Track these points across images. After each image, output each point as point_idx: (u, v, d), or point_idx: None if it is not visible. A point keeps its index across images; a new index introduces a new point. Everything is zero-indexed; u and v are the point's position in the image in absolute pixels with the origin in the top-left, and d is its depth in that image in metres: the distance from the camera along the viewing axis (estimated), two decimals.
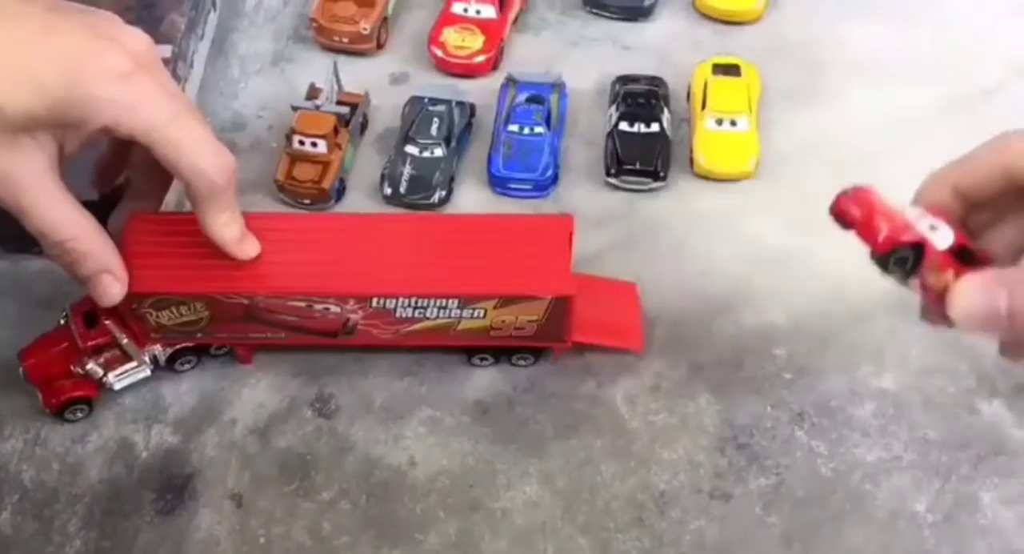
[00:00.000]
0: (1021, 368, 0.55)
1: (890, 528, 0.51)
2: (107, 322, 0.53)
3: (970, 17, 0.72)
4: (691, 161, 0.64)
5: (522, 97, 0.66)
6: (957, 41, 0.70)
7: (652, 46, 0.71)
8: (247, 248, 0.51)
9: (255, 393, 0.56)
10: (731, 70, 0.66)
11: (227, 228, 0.50)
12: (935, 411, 0.55)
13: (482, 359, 0.56)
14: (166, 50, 0.64)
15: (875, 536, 0.51)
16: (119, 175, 0.54)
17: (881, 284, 0.59)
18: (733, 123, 0.64)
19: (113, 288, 0.49)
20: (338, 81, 0.65)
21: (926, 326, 0.56)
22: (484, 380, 0.56)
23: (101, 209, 0.53)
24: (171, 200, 0.56)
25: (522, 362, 0.56)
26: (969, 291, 0.38)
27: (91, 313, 0.53)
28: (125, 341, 0.53)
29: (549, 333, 0.53)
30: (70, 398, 0.54)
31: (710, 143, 0.64)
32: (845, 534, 0.51)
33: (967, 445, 0.54)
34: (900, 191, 0.63)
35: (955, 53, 0.70)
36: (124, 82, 0.45)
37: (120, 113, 0.45)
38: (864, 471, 0.53)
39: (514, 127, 0.64)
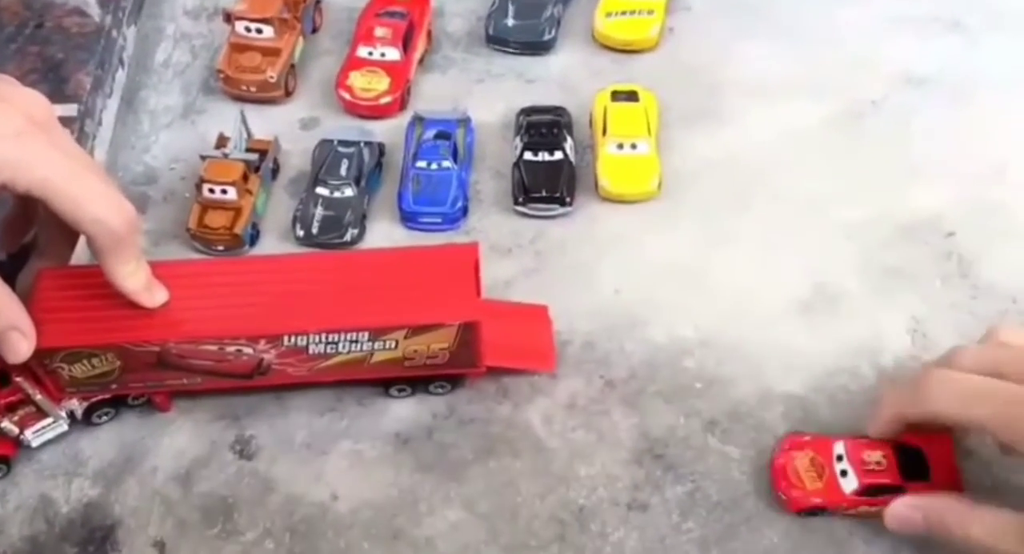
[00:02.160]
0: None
1: (804, 525, 0.53)
2: (18, 379, 0.53)
3: (856, 32, 0.75)
4: (596, 185, 0.66)
5: (429, 134, 0.67)
6: (844, 56, 0.73)
7: (554, 78, 0.73)
8: (155, 296, 0.51)
9: (175, 440, 0.56)
10: (630, 96, 0.69)
11: (132, 278, 0.50)
12: (840, 409, 0.57)
13: (400, 390, 0.57)
14: (72, 109, 0.65)
15: (789, 533, 0.52)
16: (26, 234, 0.55)
17: (784, 293, 0.62)
18: (634, 146, 0.66)
19: (21, 345, 0.49)
20: (247, 128, 0.66)
21: (826, 330, 0.59)
22: (403, 410, 0.57)
23: (9, 268, 0.53)
24: (82, 254, 0.57)
25: (439, 390, 0.57)
26: (892, 512, 0.50)
27: (2, 372, 0.53)
28: (39, 397, 0.53)
29: (461, 360, 0.54)
30: None
31: (613, 167, 0.66)
32: (760, 534, 0.52)
33: None
34: (795, 201, 0.66)
35: (843, 68, 0.73)
36: (17, 140, 0.46)
37: (15, 171, 0.46)
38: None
39: (422, 163, 0.66)
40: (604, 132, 0.67)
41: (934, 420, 0.49)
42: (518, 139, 0.68)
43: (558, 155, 0.66)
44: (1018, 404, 0.46)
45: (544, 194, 0.65)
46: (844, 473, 0.52)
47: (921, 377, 0.50)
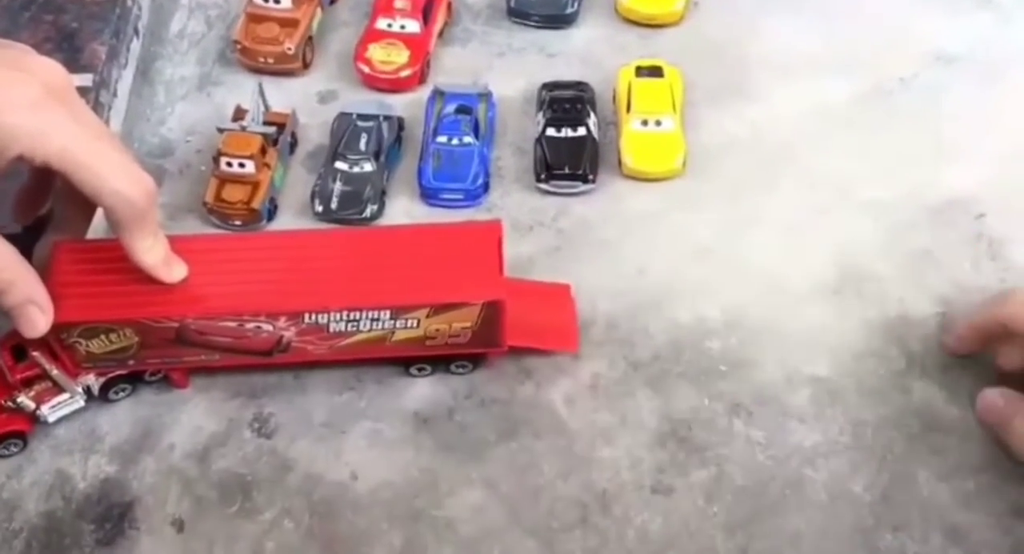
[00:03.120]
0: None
1: (829, 510, 0.52)
2: (35, 354, 0.52)
3: (885, 8, 0.73)
4: (619, 162, 0.65)
5: (449, 108, 0.66)
6: (873, 33, 0.72)
7: (577, 52, 0.72)
8: (174, 271, 0.50)
9: (192, 417, 0.55)
10: (654, 72, 0.67)
11: (151, 252, 0.49)
12: (868, 394, 0.56)
13: (420, 369, 0.56)
14: (87, 79, 0.64)
15: (815, 519, 0.52)
16: (42, 206, 0.54)
17: (809, 275, 0.60)
18: (658, 123, 0.65)
19: (39, 319, 0.49)
20: (264, 101, 0.65)
21: (854, 313, 0.58)
22: (423, 390, 0.56)
23: (24, 241, 0.52)
24: (99, 227, 0.56)
25: (460, 370, 0.56)
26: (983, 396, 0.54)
27: (19, 346, 0.52)
28: (55, 372, 0.52)
29: (484, 339, 0.54)
30: (3, 433, 0.53)
31: (637, 144, 0.64)
32: (786, 519, 0.52)
33: (901, 425, 0.54)
34: (823, 181, 0.65)
35: (871, 45, 0.71)
36: (35, 110, 0.45)
37: (33, 141, 0.45)
38: (802, 456, 0.54)
39: (442, 138, 0.65)
40: (628, 109, 0.65)
41: (1001, 326, 0.52)
42: (540, 114, 0.66)
43: (581, 131, 0.65)
44: None
45: (567, 171, 0.64)
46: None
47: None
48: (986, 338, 0.54)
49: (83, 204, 0.51)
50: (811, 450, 0.54)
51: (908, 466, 0.53)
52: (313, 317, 0.51)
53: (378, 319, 0.51)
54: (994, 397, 0.53)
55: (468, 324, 0.52)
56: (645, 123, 0.65)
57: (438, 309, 0.51)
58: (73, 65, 0.64)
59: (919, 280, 0.60)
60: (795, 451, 0.54)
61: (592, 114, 0.66)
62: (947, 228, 0.62)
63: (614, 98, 0.68)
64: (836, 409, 0.55)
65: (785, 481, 0.53)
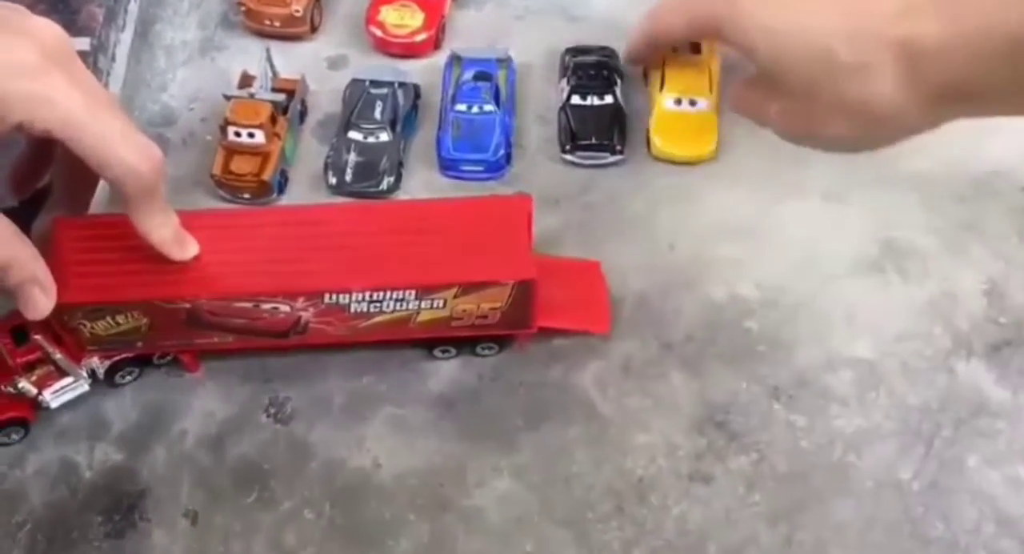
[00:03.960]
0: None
1: (876, 499, 0.50)
2: (37, 337, 0.49)
3: None
4: (647, 143, 0.61)
5: (468, 75, 0.63)
6: None
7: (601, 15, 0.68)
8: (185, 248, 0.47)
9: (205, 402, 0.53)
10: (691, 47, 0.63)
11: (162, 228, 0.46)
12: (913, 376, 0.53)
13: (444, 351, 0.53)
14: (84, 43, 0.60)
15: (861, 508, 0.49)
16: (41, 179, 0.51)
17: (849, 252, 0.58)
18: (692, 103, 0.61)
19: (40, 300, 0.45)
20: (272, 67, 0.62)
21: (896, 290, 0.55)
22: (448, 373, 0.54)
23: (22, 216, 0.49)
24: (101, 199, 0.53)
25: (486, 352, 0.54)
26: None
27: (20, 328, 0.49)
28: (58, 356, 0.49)
29: (513, 320, 0.51)
30: (3, 420, 0.50)
31: (668, 124, 0.61)
32: (831, 508, 0.49)
33: (948, 408, 0.52)
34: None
35: None
36: (35, 76, 0.42)
37: (33, 108, 0.42)
38: (845, 442, 0.51)
39: (462, 106, 0.61)
40: (661, 87, 0.62)
41: (659, 42, 0.59)
42: (564, 81, 0.63)
43: (608, 99, 0.62)
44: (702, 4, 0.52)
45: (593, 141, 0.60)
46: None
47: None
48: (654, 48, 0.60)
49: (86, 176, 0.47)
50: (854, 436, 0.52)
51: (956, 452, 0.51)
52: (334, 298, 0.48)
53: (403, 299, 0.49)
54: (738, 88, 0.55)
55: (497, 304, 0.49)
56: (679, 102, 0.61)
57: (467, 289, 0.48)
58: (69, 28, 0.59)
59: (964, 255, 0.57)
60: (838, 436, 0.51)
61: (619, 81, 0.63)
62: (992, 199, 0.59)
63: (644, 74, 0.64)
64: (879, 392, 0.53)
65: (828, 468, 0.51)
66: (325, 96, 0.64)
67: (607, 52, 0.64)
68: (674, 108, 0.61)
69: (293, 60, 0.65)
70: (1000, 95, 0.44)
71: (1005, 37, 0.41)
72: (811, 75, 0.46)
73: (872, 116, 0.46)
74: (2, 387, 0.50)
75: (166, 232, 0.46)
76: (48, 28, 0.45)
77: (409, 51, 0.66)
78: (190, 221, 0.48)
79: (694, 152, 0.61)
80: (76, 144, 0.43)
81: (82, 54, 0.59)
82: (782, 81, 0.48)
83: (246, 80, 0.62)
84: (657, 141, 0.61)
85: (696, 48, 0.63)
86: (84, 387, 0.51)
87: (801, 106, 0.48)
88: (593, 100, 0.62)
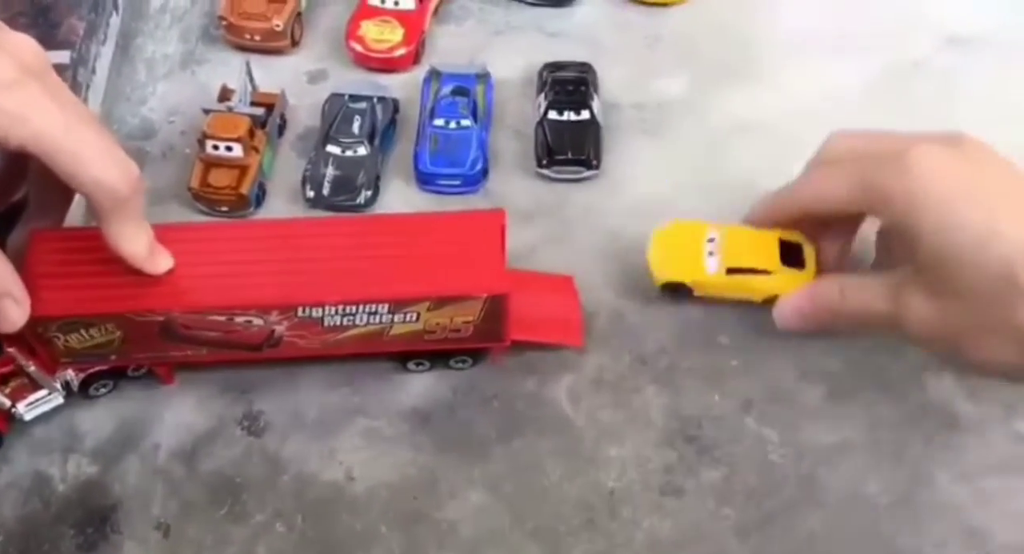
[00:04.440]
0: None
1: (845, 512, 0.50)
2: (11, 349, 0.49)
3: None
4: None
5: (446, 89, 0.63)
6: (885, 14, 0.69)
7: (579, 32, 0.69)
8: (158, 262, 0.48)
9: (178, 415, 0.53)
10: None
11: (134, 242, 0.46)
12: (883, 390, 0.54)
13: (418, 364, 0.54)
14: (64, 56, 0.60)
15: (831, 521, 0.50)
16: (16, 192, 0.51)
17: None
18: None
19: (13, 313, 0.46)
20: (251, 81, 0.62)
21: None
22: (421, 386, 0.54)
23: None
24: (77, 213, 0.53)
25: (460, 365, 0.54)
26: (780, 306, 0.52)
27: None
28: (32, 368, 0.49)
29: (486, 334, 0.51)
30: None
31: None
32: (800, 522, 0.50)
33: (918, 423, 0.53)
34: None
35: (885, 26, 0.69)
36: (10, 91, 0.42)
37: (8, 123, 0.42)
38: (816, 456, 0.52)
39: (439, 121, 0.62)
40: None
41: (801, 211, 0.51)
42: (542, 97, 0.63)
43: (584, 115, 0.62)
44: (870, 170, 0.47)
45: (570, 156, 0.61)
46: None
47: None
48: (784, 224, 0.53)
49: (61, 190, 0.47)
50: (825, 449, 0.52)
51: (925, 466, 0.51)
52: (307, 311, 0.48)
53: (376, 313, 0.49)
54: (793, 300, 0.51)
55: (470, 318, 0.50)
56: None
57: (439, 302, 0.49)
58: (49, 41, 0.61)
59: None
60: (809, 450, 0.52)
61: (596, 97, 0.63)
62: None
63: None
64: (850, 406, 0.53)
65: (799, 481, 0.51)
66: (305, 110, 0.65)
67: (584, 68, 0.65)
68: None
69: (274, 74, 0.66)
70: None
71: None
72: (984, 285, 0.42)
73: None
74: None
75: (139, 246, 0.46)
76: (25, 43, 0.45)
77: (389, 66, 0.66)
78: (165, 234, 0.48)
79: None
80: (50, 159, 0.43)
81: (62, 67, 0.60)
82: (942, 282, 0.43)
83: (225, 93, 0.62)
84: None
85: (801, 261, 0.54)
86: (58, 400, 0.51)
87: (960, 313, 0.43)
88: (570, 115, 0.62)
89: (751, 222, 0.54)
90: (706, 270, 0.54)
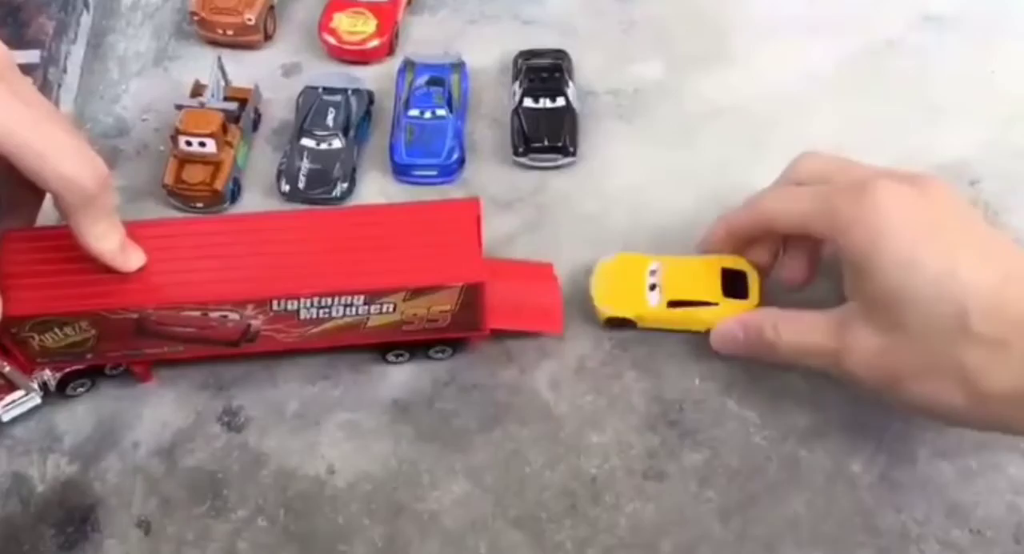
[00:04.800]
0: None
1: (828, 492, 0.50)
2: None
3: None
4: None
5: (421, 80, 0.63)
6: None
7: (553, 19, 0.69)
8: (130, 259, 0.47)
9: (157, 412, 0.52)
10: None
11: (105, 240, 0.46)
12: None
13: (397, 355, 0.54)
14: (34, 55, 0.60)
15: (814, 501, 0.50)
16: None
17: None
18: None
19: None
20: (224, 75, 0.62)
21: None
22: (401, 377, 0.54)
23: None
24: (49, 212, 0.52)
25: (439, 355, 0.54)
26: (716, 331, 0.52)
27: None
28: (7, 369, 0.49)
29: (464, 323, 0.51)
30: None
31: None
32: (783, 502, 0.50)
33: None
34: (810, 148, 0.63)
35: (858, 5, 0.69)
36: None
37: None
38: (798, 437, 0.52)
39: (415, 111, 0.62)
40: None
41: (762, 225, 0.51)
42: (517, 85, 0.63)
43: (560, 102, 0.62)
44: (834, 196, 0.46)
45: (546, 143, 0.61)
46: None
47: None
48: (743, 241, 0.53)
49: (31, 189, 0.47)
50: (807, 430, 0.52)
51: (907, 444, 0.51)
52: (282, 304, 0.48)
53: (351, 305, 0.49)
54: (727, 326, 0.51)
55: (447, 308, 0.50)
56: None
57: (415, 293, 0.48)
58: (18, 41, 0.61)
59: None
60: (791, 432, 0.52)
61: (571, 83, 0.63)
62: None
63: None
64: (831, 386, 0.53)
65: (781, 463, 0.51)
66: (279, 104, 0.65)
67: (559, 55, 0.65)
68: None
69: (247, 68, 0.65)
70: None
71: None
72: (934, 329, 0.41)
73: (986, 393, 0.41)
74: None
75: (110, 243, 0.46)
76: None
77: (362, 57, 0.66)
78: (137, 231, 0.48)
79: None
80: (16, 157, 0.43)
81: (32, 67, 0.59)
82: (892, 318, 0.43)
83: (198, 89, 0.62)
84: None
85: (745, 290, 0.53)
86: (36, 400, 0.51)
87: (905, 351, 0.43)
88: (545, 103, 0.62)
89: (709, 242, 0.54)
90: (648, 304, 0.53)
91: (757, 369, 0.54)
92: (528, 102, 0.62)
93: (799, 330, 0.48)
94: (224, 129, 0.59)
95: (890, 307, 0.43)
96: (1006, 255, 0.44)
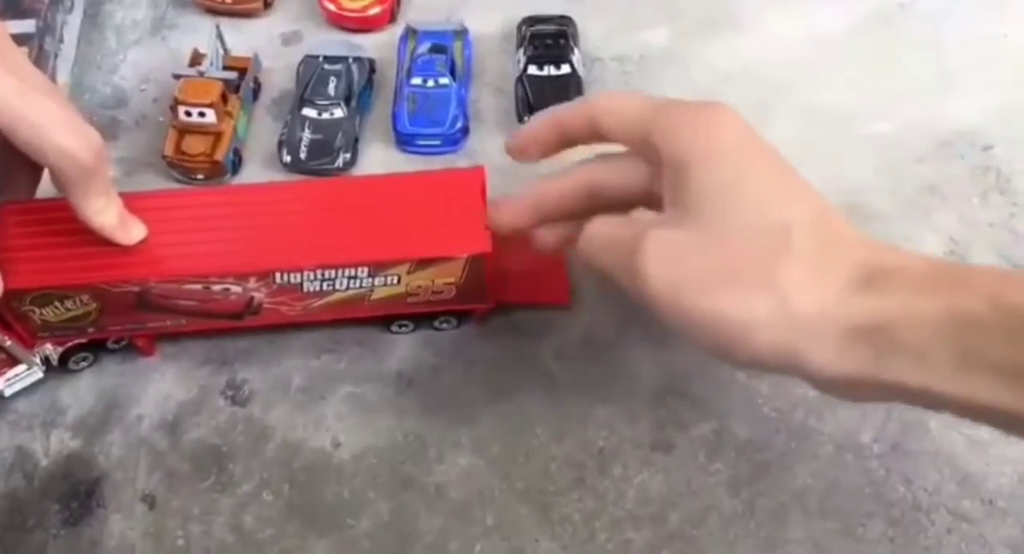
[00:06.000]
0: None
1: (837, 463, 0.49)
2: None
3: None
4: None
5: (423, 47, 0.62)
6: None
7: None
8: (131, 232, 0.47)
9: (161, 386, 0.52)
10: None
11: (104, 214, 0.45)
12: None
13: (401, 326, 0.53)
14: (30, 25, 0.59)
15: (823, 473, 0.49)
16: None
17: None
18: None
19: None
20: (223, 44, 0.61)
21: None
22: (406, 349, 0.53)
23: None
24: (48, 184, 0.52)
25: (444, 326, 0.53)
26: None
27: None
28: (9, 343, 0.49)
29: (470, 295, 0.50)
30: None
31: None
32: (792, 473, 0.49)
33: None
34: (821, 115, 0.62)
35: None
36: None
37: None
38: (807, 407, 0.51)
39: (417, 80, 0.61)
40: None
41: (593, 120, 0.45)
42: (521, 52, 0.62)
43: (565, 69, 0.61)
44: (671, 104, 0.43)
45: None
46: None
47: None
48: (563, 138, 0.47)
49: (28, 162, 0.46)
50: (816, 400, 0.51)
51: (918, 414, 0.50)
52: (285, 277, 0.47)
53: (355, 277, 0.48)
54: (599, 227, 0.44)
55: (452, 279, 0.49)
56: None
57: (421, 264, 0.48)
58: (13, 10, 0.60)
59: (925, 217, 0.57)
60: (800, 402, 0.51)
61: (576, 50, 0.62)
62: (953, 161, 0.59)
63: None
64: None
65: (790, 434, 0.50)
66: (279, 73, 0.64)
67: (564, 21, 0.63)
68: None
69: (246, 37, 0.64)
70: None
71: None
72: (752, 237, 0.40)
73: (799, 316, 0.39)
74: None
75: (108, 217, 0.45)
76: None
77: (363, 25, 0.65)
78: (137, 203, 0.47)
79: None
80: (10, 131, 0.42)
81: (27, 36, 0.58)
82: (707, 225, 0.40)
83: (197, 58, 0.61)
84: None
85: None
86: (38, 374, 0.51)
87: (711, 255, 0.40)
88: (550, 70, 0.61)
89: (529, 135, 0.48)
90: None
91: None
92: (532, 69, 0.61)
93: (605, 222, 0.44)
94: (224, 99, 0.58)
95: (713, 214, 0.41)
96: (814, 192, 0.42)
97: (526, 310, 0.54)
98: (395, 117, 0.60)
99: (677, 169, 0.42)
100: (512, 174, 0.59)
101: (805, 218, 0.40)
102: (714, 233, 0.40)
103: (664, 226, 0.41)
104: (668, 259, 0.41)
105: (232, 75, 0.59)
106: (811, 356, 0.39)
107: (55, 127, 0.43)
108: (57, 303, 0.47)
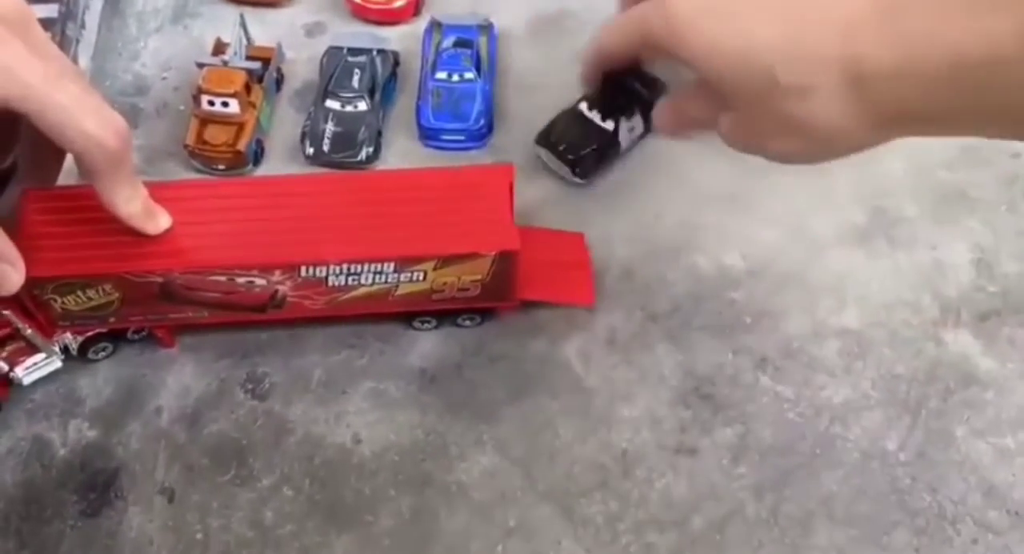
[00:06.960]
0: None
1: (863, 470, 0.49)
2: (6, 312, 0.47)
3: None
4: None
5: (448, 41, 0.61)
6: None
7: None
8: (158, 222, 0.46)
9: (180, 378, 0.51)
10: None
11: (131, 203, 0.45)
12: (900, 346, 0.53)
13: (424, 322, 0.52)
14: (52, 10, 0.58)
15: (848, 479, 0.49)
16: (6, 156, 0.49)
17: (836, 221, 0.57)
18: None
19: (10, 277, 0.44)
20: (246, 33, 0.60)
21: (884, 260, 0.54)
22: (428, 346, 0.53)
23: None
24: (70, 170, 0.51)
25: (468, 323, 0.53)
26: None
27: None
28: (29, 332, 0.48)
29: (495, 293, 0.50)
30: None
31: None
32: (817, 480, 0.49)
33: (935, 378, 0.52)
34: None
35: None
36: None
37: None
38: (832, 413, 0.51)
39: (442, 74, 0.60)
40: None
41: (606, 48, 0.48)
42: None
43: None
44: (644, 11, 0.45)
45: None
46: None
47: None
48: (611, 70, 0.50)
49: (52, 148, 0.45)
50: (842, 406, 0.51)
51: (944, 422, 0.50)
52: (311, 270, 0.47)
53: (381, 272, 0.47)
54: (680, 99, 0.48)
55: (478, 277, 0.48)
56: None
57: (447, 261, 0.47)
58: None
59: (953, 223, 0.56)
60: (825, 407, 0.51)
61: None
62: (982, 168, 0.58)
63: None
64: (867, 362, 0.52)
65: (815, 439, 0.50)
66: (302, 64, 0.63)
67: None
68: None
69: (269, 27, 0.64)
70: (944, 117, 0.41)
71: (945, 60, 0.38)
72: (755, 93, 0.44)
73: (818, 135, 0.44)
74: None
75: (134, 206, 0.45)
76: None
77: (388, 18, 0.64)
78: (161, 193, 0.46)
79: None
80: (37, 116, 0.41)
81: (50, 21, 0.58)
82: (728, 96, 0.45)
83: (220, 47, 0.60)
84: None
85: None
86: (57, 363, 0.50)
87: (749, 120, 0.45)
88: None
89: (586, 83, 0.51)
90: None
91: (790, 344, 0.53)
92: None
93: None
94: (248, 89, 0.57)
95: (721, 91, 0.44)
96: (783, 6, 0.43)
97: (550, 309, 0.53)
98: (419, 111, 0.59)
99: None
100: (535, 173, 0.59)
101: (778, 50, 0.42)
102: (734, 103, 0.44)
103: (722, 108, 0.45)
104: (735, 136, 0.46)
105: (256, 65, 0.58)
106: (866, 49, 0.40)
107: (82, 113, 0.42)
108: (79, 292, 0.47)
